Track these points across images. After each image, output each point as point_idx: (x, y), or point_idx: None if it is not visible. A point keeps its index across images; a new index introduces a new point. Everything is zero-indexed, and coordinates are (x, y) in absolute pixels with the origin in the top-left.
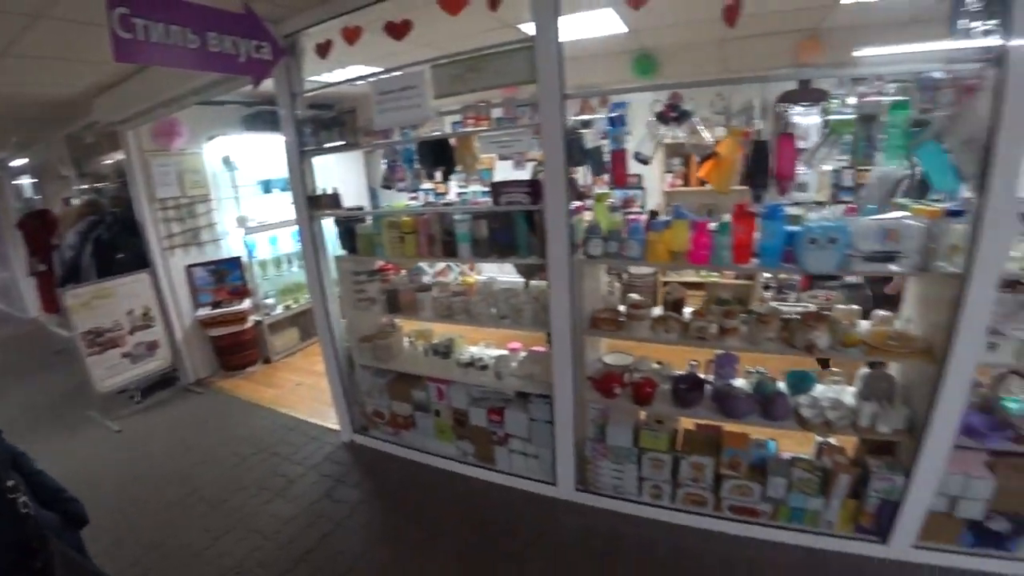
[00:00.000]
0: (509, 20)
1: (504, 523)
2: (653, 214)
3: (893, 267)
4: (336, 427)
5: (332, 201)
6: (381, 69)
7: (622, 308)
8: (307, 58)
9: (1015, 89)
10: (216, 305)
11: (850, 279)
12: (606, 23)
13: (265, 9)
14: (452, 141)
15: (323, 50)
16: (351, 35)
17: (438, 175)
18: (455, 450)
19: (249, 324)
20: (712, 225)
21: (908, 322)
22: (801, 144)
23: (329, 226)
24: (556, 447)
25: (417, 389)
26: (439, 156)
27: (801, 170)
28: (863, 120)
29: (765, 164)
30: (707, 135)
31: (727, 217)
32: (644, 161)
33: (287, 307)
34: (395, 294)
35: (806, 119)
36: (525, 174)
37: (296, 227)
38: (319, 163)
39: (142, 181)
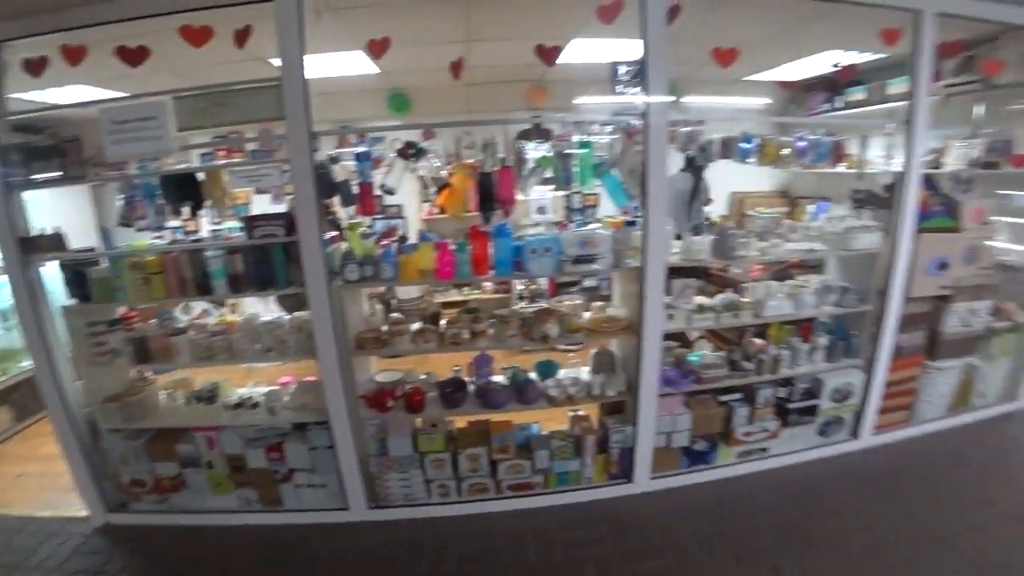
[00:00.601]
0: (259, 53)
1: (303, 562)
2: (402, 239)
3: (595, 266)
4: (83, 513)
5: (54, 243)
6: (114, 93)
7: (385, 328)
8: (11, 74)
9: (654, 135)
10: None
11: (588, 283)
12: (358, 63)
13: None
14: (200, 175)
15: (36, 68)
16: (73, 54)
17: (185, 211)
18: (237, 500)
19: None
20: (452, 245)
21: (617, 308)
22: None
23: (52, 273)
24: (341, 470)
25: (183, 444)
26: (186, 191)
27: (520, 196)
28: (560, 156)
29: (491, 192)
30: (443, 169)
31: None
32: (389, 192)
33: None
34: (144, 342)
35: (538, 153)
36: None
37: (2, 277)
38: (30, 199)
39: None
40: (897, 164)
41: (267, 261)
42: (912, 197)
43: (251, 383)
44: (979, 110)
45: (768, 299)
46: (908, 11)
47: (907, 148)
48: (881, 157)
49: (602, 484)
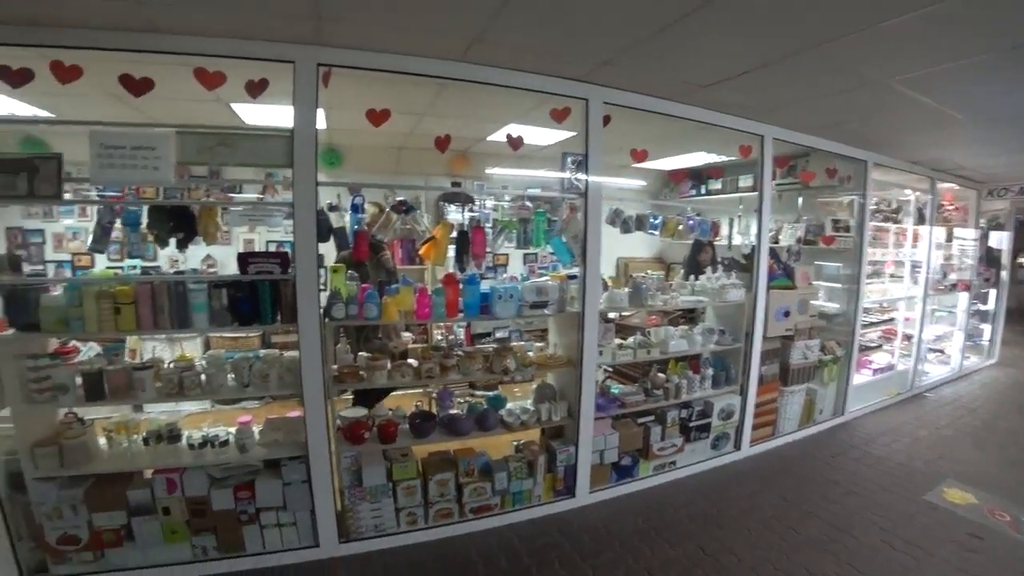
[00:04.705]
0: (224, 97)
1: None
2: (383, 283)
3: (546, 311)
4: None
5: (9, 264)
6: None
7: (359, 364)
8: None
9: (592, 210)
10: None
11: (500, 334)
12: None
13: None
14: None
15: (16, 78)
16: (66, 73)
17: (172, 243)
18: (191, 551)
19: None
20: (430, 290)
21: (555, 347)
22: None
23: None
24: (316, 504)
25: (135, 489)
26: (178, 224)
27: (488, 250)
28: (521, 221)
29: (467, 246)
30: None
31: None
32: (380, 242)
33: None
34: (98, 376)
35: (459, 215)
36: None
37: None
38: None
39: None
40: (752, 239)
41: (253, 297)
42: (764, 263)
43: (205, 424)
44: (800, 202)
45: (670, 339)
46: (756, 135)
47: (758, 229)
48: (739, 234)
49: (549, 500)
